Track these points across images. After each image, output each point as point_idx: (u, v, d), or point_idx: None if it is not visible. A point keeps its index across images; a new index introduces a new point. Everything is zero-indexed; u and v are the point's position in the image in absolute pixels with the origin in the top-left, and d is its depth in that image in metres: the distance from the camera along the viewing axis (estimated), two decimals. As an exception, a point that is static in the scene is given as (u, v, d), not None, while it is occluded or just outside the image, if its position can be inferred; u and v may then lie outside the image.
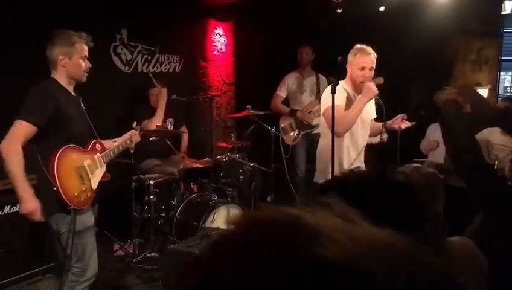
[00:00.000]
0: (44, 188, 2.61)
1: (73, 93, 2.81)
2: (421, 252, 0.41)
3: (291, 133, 5.17)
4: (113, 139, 3.07)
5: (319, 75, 5.29)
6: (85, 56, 2.75)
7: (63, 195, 2.57)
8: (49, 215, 2.67)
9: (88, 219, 2.79)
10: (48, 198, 2.60)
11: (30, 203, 2.59)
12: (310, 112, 5.09)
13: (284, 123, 5.23)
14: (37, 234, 3.27)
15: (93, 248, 2.85)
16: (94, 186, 2.80)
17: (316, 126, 4.87)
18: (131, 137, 3.13)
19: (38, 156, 2.60)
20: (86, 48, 2.76)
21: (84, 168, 2.74)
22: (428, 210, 1.51)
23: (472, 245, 1.70)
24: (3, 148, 2.50)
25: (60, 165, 2.58)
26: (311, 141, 4.86)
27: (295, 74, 5.33)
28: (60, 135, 2.64)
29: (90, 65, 2.80)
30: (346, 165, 3.15)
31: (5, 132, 2.56)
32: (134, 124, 3.28)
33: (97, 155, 2.86)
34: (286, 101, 5.37)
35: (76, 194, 2.66)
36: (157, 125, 4.17)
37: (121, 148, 3.05)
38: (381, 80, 3.18)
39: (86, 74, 2.79)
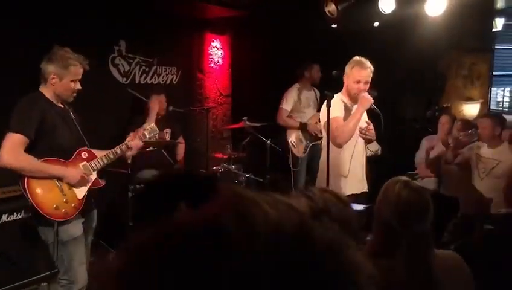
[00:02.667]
0: (26, 201, 2.63)
1: (60, 105, 2.81)
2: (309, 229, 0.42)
3: (301, 146, 5.27)
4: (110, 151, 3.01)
5: (314, 88, 5.46)
6: (77, 79, 2.76)
7: (38, 209, 2.57)
8: (37, 226, 2.69)
9: (74, 229, 2.74)
10: (33, 210, 2.62)
11: (71, 177, 2.66)
12: (317, 123, 5.19)
13: (292, 136, 5.32)
14: (33, 242, 3.27)
15: (81, 260, 2.79)
16: (80, 195, 2.75)
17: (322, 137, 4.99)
18: (129, 140, 3.06)
19: None
20: (80, 71, 2.76)
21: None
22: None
23: (458, 258, 1.73)
24: (10, 162, 2.52)
25: (32, 180, 2.58)
26: (312, 154, 4.96)
27: (296, 88, 5.44)
28: (42, 147, 2.63)
29: (80, 87, 2.80)
30: (349, 175, 3.19)
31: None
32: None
33: (82, 163, 2.81)
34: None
35: (54, 206, 2.62)
36: (155, 136, 4.21)
37: (112, 156, 2.95)
38: (374, 93, 3.26)
39: (74, 95, 2.80)
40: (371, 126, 3.22)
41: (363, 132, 3.17)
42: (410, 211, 1.63)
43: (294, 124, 5.34)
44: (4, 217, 3.36)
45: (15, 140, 2.52)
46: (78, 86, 2.78)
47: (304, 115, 5.38)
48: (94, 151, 2.93)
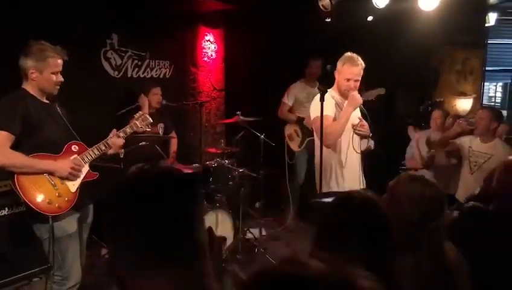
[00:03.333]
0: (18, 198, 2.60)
1: (45, 101, 2.77)
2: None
3: (297, 140, 5.30)
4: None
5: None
6: (58, 71, 2.72)
7: (30, 205, 2.55)
8: (31, 222, 2.68)
9: (69, 225, 2.73)
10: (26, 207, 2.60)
11: (61, 170, 2.64)
12: None
13: (289, 130, 5.38)
14: (25, 237, 3.24)
15: (75, 256, 2.78)
16: (73, 188, 2.72)
17: None
18: (110, 139, 3.00)
19: None
20: (60, 62, 2.72)
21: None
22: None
23: (455, 248, 1.77)
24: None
25: (21, 176, 2.55)
26: (312, 148, 4.96)
27: (301, 83, 5.44)
28: (30, 143, 2.60)
29: (63, 80, 2.76)
30: (346, 166, 3.18)
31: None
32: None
33: (73, 156, 2.78)
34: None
35: (47, 201, 2.60)
36: (147, 130, 4.19)
37: (103, 147, 2.92)
38: (382, 91, 3.25)
39: (58, 87, 2.76)
40: (364, 122, 3.20)
41: (356, 128, 3.16)
42: (433, 207, 1.69)
43: (293, 118, 5.38)
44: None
45: (1, 138, 2.49)
46: (60, 78, 2.74)
47: (306, 110, 5.35)
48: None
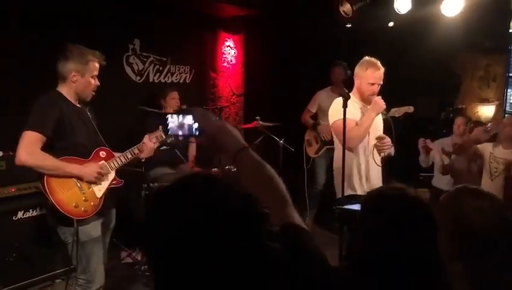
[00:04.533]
0: (45, 200, 2.62)
1: (77, 105, 2.80)
2: None
3: (315, 146, 5.30)
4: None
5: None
6: (96, 75, 2.77)
7: (58, 207, 2.56)
8: (55, 225, 2.69)
9: (94, 229, 2.74)
10: (51, 209, 2.61)
11: (88, 175, 2.67)
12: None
13: (309, 136, 5.41)
14: (48, 239, 3.30)
15: (99, 260, 2.80)
16: (99, 194, 2.75)
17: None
18: (142, 144, 3.06)
19: None
20: (97, 66, 2.77)
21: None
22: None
23: None
24: (27, 160, 2.49)
25: (51, 178, 2.57)
26: (331, 155, 4.95)
27: (327, 91, 5.37)
28: (61, 146, 2.63)
29: (99, 83, 2.81)
30: (364, 177, 3.17)
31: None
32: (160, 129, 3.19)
33: (101, 162, 2.81)
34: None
35: (74, 204, 2.62)
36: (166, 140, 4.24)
37: (129, 156, 2.97)
38: (411, 109, 3.24)
39: (93, 93, 2.81)
40: (387, 140, 3.17)
41: (379, 148, 3.15)
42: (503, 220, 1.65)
43: (310, 123, 5.39)
44: (20, 214, 3.40)
45: (31, 138, 2.50)
46: (97, 82, 2.79)
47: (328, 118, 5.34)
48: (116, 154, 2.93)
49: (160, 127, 3.20)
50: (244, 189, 0.91)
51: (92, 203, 2.70)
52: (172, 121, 1.46)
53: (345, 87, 5.21)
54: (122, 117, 4.59)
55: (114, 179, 2.87)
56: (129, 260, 4.21)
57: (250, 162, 1.25)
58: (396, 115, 3.28)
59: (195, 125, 1.40)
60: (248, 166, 1.25)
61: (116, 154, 2.95)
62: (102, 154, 2.84)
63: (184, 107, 4.75)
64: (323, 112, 5.34)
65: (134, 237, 4.27)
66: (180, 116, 1.44)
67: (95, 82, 2.77)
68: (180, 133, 1.46)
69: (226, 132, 1.27)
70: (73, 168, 2.65)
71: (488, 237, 1.62)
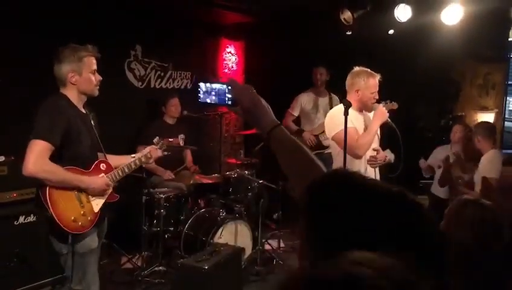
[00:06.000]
0: (41, 209, 2.53)
1: (82, 110, 2.70)
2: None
3: None
4: (132, 155, 2.95)
5: (332, 95, 5.28)
6: (94, 70, 2.64)
7: (57, 220, 2.46)
8: (50, 235, 2.61)
9: (92, 241, 2.67)
10: (47, 219, 2.51)
11: (97, 186, 2.61)
12: (323, 132, 5.15)
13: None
14: (50, 244, 3.29)
15: (94, 271, 2.75)
16: (96, 208, 2.65)
17: (327, 147, 4.91)
18: (149, 153, 2.99)
19: None
20: (94, 60, 2.65)
21: (84, 191, 2.61)
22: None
23: None
24: (36, 172, 2.40)
25: (53, 190, 2.47)
26: (323, 161, 4.91)
27: (309, 94, 5.32)
28: (64, 155, 2.53)
29: (101, 78, 2.69)
30: None
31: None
32: (156, 139, 3.15)
33: (101, 176, 2.70)
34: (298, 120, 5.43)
35: (72, 218, 2.52)
36: (169, 141, 4.25)
37: (133, 166, 2.88)
38: (395, 105, 3.27)
39: (98, 88, 2.68)
40: (379, 154, 3.21)
41: (371, 162, 3.19)
42: (487, 231, 1.63)
43: (294, 129, 5.22)
44: (21, 219, 3.40)
45: (41, 148, 2.39)
46: (98, 77, 2.67)
47: (311, 121, 5.28)
48: (109, 156, 2.84)
49: (157, 137, 3.19)
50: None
51: (89, 218, 2.61)
52: (204, 88, 1.45)
53: (326, 89, 5.26)
54: (123, 122, 4.61)
55: (111, 194, 2.76)
56: (129, 266, 4.21)
57: (287, 141, 1.22)
58: None
59: (228, 94, 1.40)
60: (287, 145, 1.22)
61: (124, 157, 2.89)
62: (103, 166, 2.74)
63: (185, 113, 4.77)
64: (307, 114, 5.29)
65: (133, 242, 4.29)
66: (212, 84, 1.44)
67: (96, 77, 2.65)
68: (211, 100, 1.46)
69: (261, 107, 1.26)
70: (82, 181, 2.57)
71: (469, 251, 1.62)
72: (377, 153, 3.22)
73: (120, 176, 2.81)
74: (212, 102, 1.46)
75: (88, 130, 2.69)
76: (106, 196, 2.72)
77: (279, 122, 1.25)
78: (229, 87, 1.40)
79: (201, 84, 1.44)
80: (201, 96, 1.45)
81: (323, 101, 5.29)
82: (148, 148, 3.03)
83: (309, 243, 0.82)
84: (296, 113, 5.30)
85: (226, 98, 1.41)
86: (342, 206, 0.76)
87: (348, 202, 0.76)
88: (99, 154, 2.80)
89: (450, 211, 1.75)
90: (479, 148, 4.11)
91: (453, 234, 1.65)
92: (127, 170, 2.85)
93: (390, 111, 3.26)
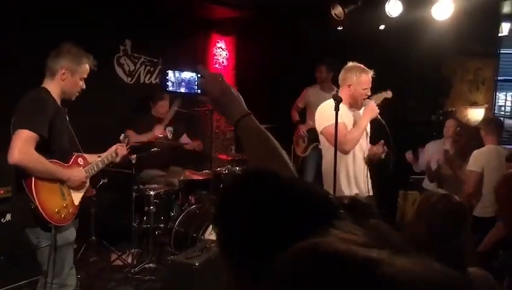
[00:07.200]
0: (22, 201, 2.52)
1: (60, 106, 2.74)
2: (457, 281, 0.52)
3: (301, 145, 5.32)
4: (98, 155, 2.97)
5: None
6: (84, 78, 2.74)
7: (42, 212, 2.49)
8: (27, 228, 2.58)
9: (70, 234, 2.71)
10: (26, 211, 2.51)
11: (76, 179, 2.65)
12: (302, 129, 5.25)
13: (296, 136, 5.43)
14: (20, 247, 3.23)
15: (71, 263, 2.76)
16: (76, 201, 2.71)
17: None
18: (116, 150, 3.02)
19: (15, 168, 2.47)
20: (88, 70, 2.75)
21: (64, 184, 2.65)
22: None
23: (489, 277, 1.70)
24: (21, 160, 2.39)
25: (39, 181, 2.50)
26: (319, 154, 4.96)
27: (316, 88, 5.46)
28: (46, 148, 2.54)
29: (85, 87, 2.76)
30: (352, 180, 3.19)
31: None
32: (122, 136, 3.20)
33: (80, 169, 2.76)
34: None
35: (56, 210, 2.55)
36: (159, 136, 4.22)
37: (105, 161, 2.94)
38: (389, 94, 3.27)
39: (77, 94, 2.76)
40: (377, 148, 3.23)
41: (370, 157, 3.20)
42: (445, 225, 1.62)
43: (294, 119, 5.49)
44: (8, 216, 3.36)
45: (26, 137, 2.40)
46: (83, 85, 2.75)
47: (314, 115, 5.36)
48: (86, 156, 2.88)
49: (123, 134, 3.21)
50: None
51: (70, 211, 2.65)
52: (173, 77, 1.43)
53: (334, 84, 5.29)
54: (112, 117, 4.56)
55: (88, 188, 2.83)
56: (119, 263, 4.17)
57: (254, 130, 1.21)
58: (376, 103, 3.28)
59: (197, 82, 1.38)
60: (252, 133, 1.21)
61: (92, 156, 2.91)
62: (80, 161, 2.79)
63: (176, 108, 4.73)
64: (311, 108, 5.35)
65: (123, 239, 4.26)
66: (180, 72, 1.42)
67: (82, 84, 2.73)
68: (181, 89, 1.44)
69: (230, 95, 1.24)
70: (64, 173, 2.61)
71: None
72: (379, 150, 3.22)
73: (95, 171, 2.88)
74: (183, 91, 1.43)
75: (66, 125, 2.74)
76: (85, 189, 2.78)
77: (249, 112, 1.23)
78: (198, 76, 1.38)
79: (170, 73, 1.41)
80: (170, 86, 1.42)
81: (329, 96, 5.32)
82: (114, 147, 3.04)
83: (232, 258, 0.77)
84: (301, 105, 5.53)
85: (196, 87, 1.39)
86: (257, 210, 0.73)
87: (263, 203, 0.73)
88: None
89: (418, 204, 1.76)
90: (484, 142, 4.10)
91: (417, 225, 1.65)
92: (101, 165, 2.92)
93: (384, 100, 3.26)
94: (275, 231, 0.69)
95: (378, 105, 3.24)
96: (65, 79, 2.65)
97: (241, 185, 0.81)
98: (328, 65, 5.35)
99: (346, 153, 3.07)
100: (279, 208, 0.71)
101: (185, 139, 4.96)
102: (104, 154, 2.97)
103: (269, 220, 0.71)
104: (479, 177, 3.83)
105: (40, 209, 2.48)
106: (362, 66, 3.19)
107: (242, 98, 1.26)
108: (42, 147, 2.50)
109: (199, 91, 1.18)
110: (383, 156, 3.35)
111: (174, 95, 4.97)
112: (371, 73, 3.18)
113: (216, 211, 0.81)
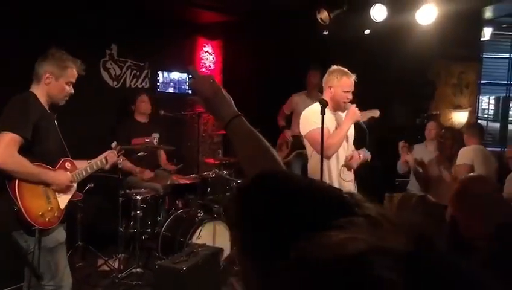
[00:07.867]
0: (6, 204, 2.49)
1: (48, 110, 2.73)
2: None
3: (284, 151, 5.32)
4: (88, 161, 2.96)
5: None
6: (71, 82, 2.72)
7: (25, 215, 2.46)
8: (14, 231, 2.56)
9: (60, 235, 2.70)
10: (10, 214, 2.49)
11: (60, 182, 2.64)
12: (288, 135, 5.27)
13: (280, 140, 5.40)
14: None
15: (65, 263, 2.76)
16: (62, 205, 2.69)
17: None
18: (106, 157, 3.01)
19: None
20: (75, 74, 2.73)
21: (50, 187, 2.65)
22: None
23: None
24: (4, 163, 2.39)
25: (22, 184, 2.49)
26: (303, 161, 4.98)
27: (303, 94, 5.43)
28: (31, 151, 2.53)
29: (73, 91, 2.75)
30: (336, 183, 3.20)
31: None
32: (114, 144, 3.18)
33: (70, 173, 2.76)
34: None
35: (40, 213, 2.54)
36: (146, 141, 4.21)
37: (95, 167, 2.93)
38: (376, 113, 3.28)
39: (66, 99, 2.75)
40: (354, 158, 3.23)
41: (347, 162, 3.21)
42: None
43: (280, 124, 5.47)
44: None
45: (11, 140, 2.40)
46: (71, 90, 2.73)
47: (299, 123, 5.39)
48: (76, 162, 2.86)
49: (115, 142, 3.19)
50: None
51: (55, 214, 2.63)
52: (163, 78, 1.44)
53: (321, 92, 5.32)
54: (98, 122, 4.54)
55: (75, 193, 2.81)
56: (106, 268, 4.14)
57: (245, 131, 1.21)
58: (362, 120, 3.30)
59: (187, 83, 1.38)
60: (244, 134, 1.21)
61: (82, 162, 2.90)
62: (68, 165, 2.78)
63: (162, 112, 4.72)
64: (297, 115, 5.36)
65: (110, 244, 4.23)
66: (170, 73, 1.42)
67: (69, 89, 2.71)
68: (170, 90, 1.44)
69: (221, 97, 1.25)
70: (49, 176, 2.60)
71: None
72: (350, 158, 3.22)
73: (83, 176, 2.86)
74: (172, 91, 1.44)
75: (53, 130, 2.72)
76: (71, 194, 2.76)
77: (240, 113, 1.23)
78: (189, 76, 1.39)
79: (160, 74, 1.42)
80: (160, 86, 1.44)
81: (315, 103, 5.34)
82: (105, 153, 3.03)
83: (251, 255, 0.78)
84: (287, 112, 5.52)
85: (185, 87, 1.40)
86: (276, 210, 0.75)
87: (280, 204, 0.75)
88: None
89: (397, 204, 1.78)
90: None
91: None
92: (89, 171, 2.90)
93: (371, 118, 3.28)
94: (297, 225, 0.69)
95: (363, 121, 3.27)
96: (49, 83, 2.64)
97: (260, 183, 0.82)
98: (320, 71, 5.34)
99: (328, 157, 3.06)
100: (300, 203, 0.72)
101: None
102: (93, 160, 2.96)
103: (291, 215, 0.71)
104: (470, 169, 3.89)
105: (23, 212, 2.46)
106: (345, 69, 3.21)
107: (232, 100, 1.27)
108: (26, 150, 2.49)
109: (190, 92, 1.20)
110: (368, 157, 3.38)
111: (163, 95, 4.99)
112: (353, 77, 3.19)
113: (237, 208, 0.80)
